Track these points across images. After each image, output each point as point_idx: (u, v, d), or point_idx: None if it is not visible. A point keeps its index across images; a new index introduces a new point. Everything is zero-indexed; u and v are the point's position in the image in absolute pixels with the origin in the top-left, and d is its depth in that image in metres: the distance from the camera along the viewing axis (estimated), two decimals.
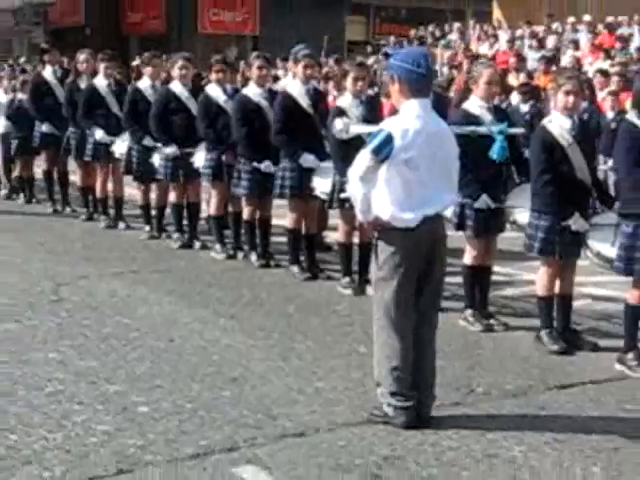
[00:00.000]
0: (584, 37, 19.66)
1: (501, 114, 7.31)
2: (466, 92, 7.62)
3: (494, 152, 6.83)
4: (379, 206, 5.02)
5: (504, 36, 21.74)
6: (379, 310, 5.09)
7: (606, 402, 5.54)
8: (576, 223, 6.42)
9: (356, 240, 8.21)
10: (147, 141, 10.33)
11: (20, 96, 13.62)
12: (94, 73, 11.68)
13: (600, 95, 12.63)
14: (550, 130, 6.49)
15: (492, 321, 7.14)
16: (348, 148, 7.14)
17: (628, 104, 8.86)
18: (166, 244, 10.35)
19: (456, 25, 24.96)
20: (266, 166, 8.94)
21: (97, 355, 6.28)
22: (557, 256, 6.48)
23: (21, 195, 13.97)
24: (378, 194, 5.01)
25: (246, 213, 9.31)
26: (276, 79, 15.56)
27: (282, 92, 9.08)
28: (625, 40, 18.43)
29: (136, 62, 19.88)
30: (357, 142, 6.77)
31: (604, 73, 13.54)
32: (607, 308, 7.61)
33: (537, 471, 4.54)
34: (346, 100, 8.03)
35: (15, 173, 14.18)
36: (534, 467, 4.59)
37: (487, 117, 7.03)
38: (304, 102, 8.64)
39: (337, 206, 8.16)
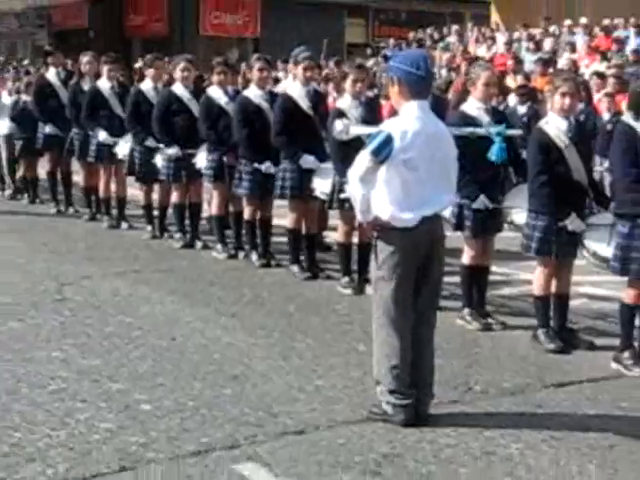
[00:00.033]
0: (580, 40, 19.64)
1: (499, 116, 7.31)
2: (464, 94, 7.61)
3: (493, 154, 6.83)
4: (378, 206, 5.02)
5: (502, 39, 21.73)
6: (378, 309, 5.09)
7: (602, 400, 5.54)
8: (573, 223, 6.42)
9: (355, 240, 8.21)
10: (149, 142, 10.34)
11: (24, 98, 13.62)
12: (97, 75, 11.69)
13: (596, 97, 12.63)
14: (547, 131, 6.49)
15: (490, 320, 7.14)
16: (348, 149, 7.14)
17: (624, 106, 8.84)
18: (168, 244, 10.35)
19: (454, 28, 24.94)
20: (267, 167, 8.94)
21: (100, 353, 6.28)
22: (554, 256, 6.49)
23: (25, 195, 13.99)
24: (377, 194, 5.01)
25: (247, 213, 9.31)
26: (277, 81, 15.56)
27: (282, 94, 9.08)
28: (621, 42, 18.40)
29: (139, 64, 19.88)
30: (357, 143, 6.77)
31: (600, 75, 13.54)
32: (603, 307, 7.61)
33: (534, 468, 4.54)
34: (346, 102, 8.03)
35: (19, 174, 14.20)
36: (531, 464, 4.59)
37: (485, 119, 7.03)
38: (304, 104, 8.63)
39: (337, 206, 8.16)
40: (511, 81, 15.31)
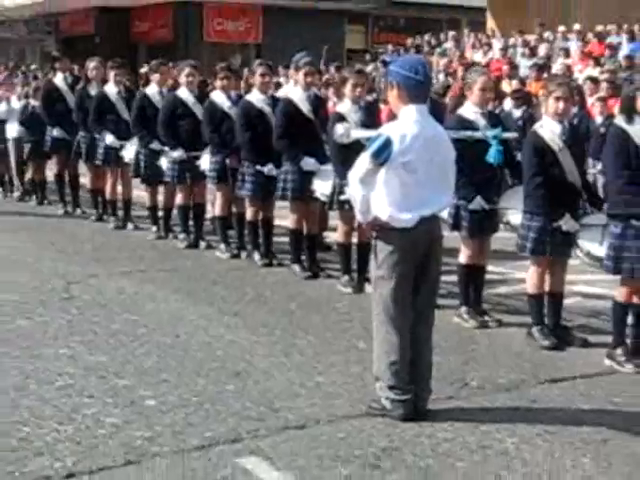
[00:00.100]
0: (574, 45, 19.64)
1: (495, 119, 7.31)
2: (461, 98, 7.61)
3: (490, 156, 6.83)
4: (378, 207, 5.02)
5: (497, 44, 21.73)
6: (378, 307, 5.09)
7: (595, 396, 5.54)
8: (567, 224, 6.42)
9: (355, 240, 8.21)
10: (155, 145, 10.35)
11: (32, 102, 13.62)
12: (104, 80, 11.70)
13: (589, 101, 12.62)
14: (541, 135, 6.49)
15: (486, 318, 7.13)
16: (347, 152, 7.14)
17: (616, 109, 8.84)
18: (173, 244, 10.35)
19: (451, 34, 24.93)
20: (269, 169, 8.95)
21: (106, 350, 6.28)
22: (548, 256, 6.48)
23: (33, 197, 14.00)
24: (377, 196, 5.01)
25: (249, 214, 9.31)
26: (278, 86, 15.54)
27: (284, 98, 9.07)
28: (614, 48, 18.39)
29: (144, 69, 19.85)
30: (356, 146, 6.76)
31: (593, 80, 13.53)
32: (597, 305, 7.61)
33: (529, 462, 4.54)
34: (345, 106, 8.02)
35: (28, 176, 14.20)
36: (526, 458, 4.58)
37: (481, 122, 7.03)
38: (305, 108, 8.63)
39: (337, 207, 8.16)
40: (507, 86, 15.29)
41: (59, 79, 12.72)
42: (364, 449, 4.65)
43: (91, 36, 31.77)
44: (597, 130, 11.19)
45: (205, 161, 9.73)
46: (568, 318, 7.01)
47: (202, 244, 10.12)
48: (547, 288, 6.63)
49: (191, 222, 10.32)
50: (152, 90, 10.72)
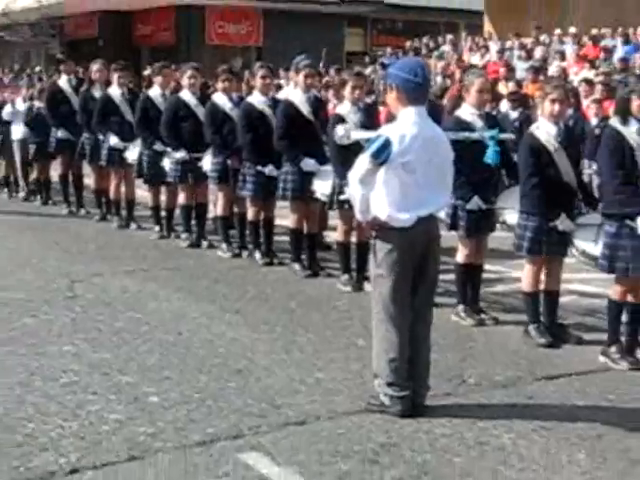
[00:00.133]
0: (570, 48, 19.63)
1: (492, 121, 7.30)
2: (458, 100, 7.61)
3: (488, 157, 6.82)
4: (377, 207, 5.02)
5: (494, 47, 21.71)
6: (377, 305, 5.09)
7: (590, 392, 5.54)
8: (562, 223, 6.42)
9: (354, 239, 8.21)
10: (157, 146, 10.35)
11: (37, 104, 13.63)
12: (107, 82, 11.70)
13: (585, 103, 12.61)
14: (537, 136, 6.49)
15: (483, 316, 7.13)
16: (347, 153, 7.14)
17: (611, 111, 8.84)
18: (175, 243, 10.35)
19: (449, 37, 24.90)
20: (269, 170, 8.95)
21: (110, 348, 6.28)
22: (545, 255, 6.49)
23: (38, 197, 14.00)
24: (376, 195, 5.01)
25: (251, 214, 9.31)
26: (279, 88, 15.54)
27: (284, 100, 9.07)
28: (609, 51, 18.39)
29: (147, 72, 19.85)
30: (356, 147, 6.77)
31: (589, 82, 13.52)
32: (592, 303, 7.60)
33: (525, 457, 4.54)
34: (345, 108, 8.02)
35: (33, 176, 14.21)
36: (522, 454, 4.59)
37: (479, 123, 7.03)
38: (305, 109, 8.63)
39: (336, 207, 8.16)
40: (503, 88, 15.28)
41: (63, 81, 12.73)
42: (363, 445, 4.65)
43: (95, 39, 31.76)
44: (592, 131, 11.18)
45: (207, 162, 9.73)
46: (564, 316, 7.00)
47: (204, 243, 10.12)
48: (543, 287, 6.63)
49: (193, 222, 10.33)
50: (155, 92, 10.72)
